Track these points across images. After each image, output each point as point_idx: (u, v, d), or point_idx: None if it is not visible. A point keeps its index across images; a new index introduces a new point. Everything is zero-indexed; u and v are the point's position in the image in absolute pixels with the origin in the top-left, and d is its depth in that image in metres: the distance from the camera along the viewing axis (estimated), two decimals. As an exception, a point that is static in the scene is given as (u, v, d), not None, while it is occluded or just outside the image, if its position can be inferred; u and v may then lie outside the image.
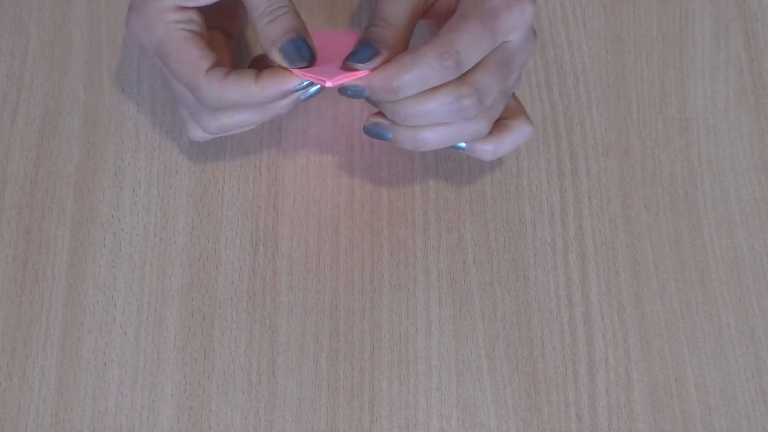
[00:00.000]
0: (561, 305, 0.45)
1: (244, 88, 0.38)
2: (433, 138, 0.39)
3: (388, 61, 0.38)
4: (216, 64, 0.39)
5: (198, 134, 0.42)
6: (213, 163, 0.47)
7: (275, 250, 0.46)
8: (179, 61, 0.39)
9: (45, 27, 0.49)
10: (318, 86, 0.39)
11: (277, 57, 0.38)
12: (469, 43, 0.37)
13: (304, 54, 0.38)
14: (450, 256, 0.46)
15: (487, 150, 0.41)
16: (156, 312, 0.44)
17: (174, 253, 0.45)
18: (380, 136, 0.40)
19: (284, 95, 0.39)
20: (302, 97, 0.40)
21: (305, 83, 0.39)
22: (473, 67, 0.38)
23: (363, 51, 0.38)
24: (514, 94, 0.42)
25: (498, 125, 0.41)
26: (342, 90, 0.39)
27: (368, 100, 0.39)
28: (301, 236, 0.46)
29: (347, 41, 0.41)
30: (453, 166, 0.48)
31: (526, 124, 0.42)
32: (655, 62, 0.50)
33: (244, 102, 0.39)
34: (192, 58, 0.39)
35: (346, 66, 0.39)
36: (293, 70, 0.39)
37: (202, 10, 0.40)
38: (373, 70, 0.38)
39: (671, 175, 0.48)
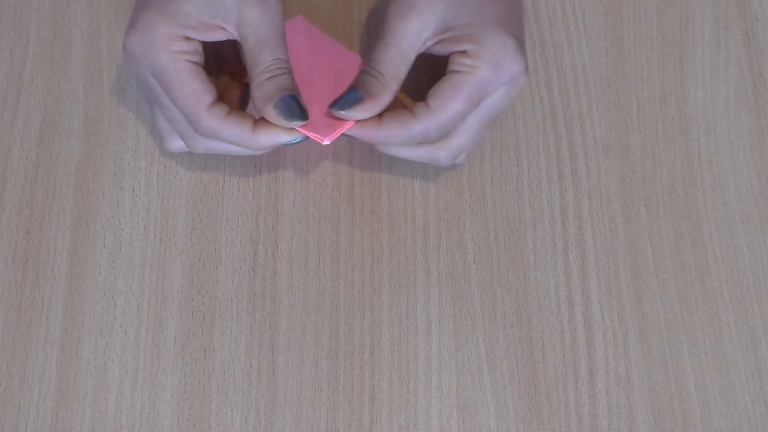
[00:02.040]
0: (561, 305, 0.45)
1: (241, 133, 0.40)
2: (393, 153, 0.43)
3: (371, 106, 0.41)
4: (217, 100, 0.40)
5: (175, 146, 0.43)
6: (213, 163, 0.47)
7: (275, 250, 0.46)
8: (182, 92, 0.40)
9: (45, 27, 0.49)
10: (302, 137, 0.41)
11: (271, 113, 0.40)
12: (456, 120, 0.41)
13: (295, 113, 0.40)
14: (450, 256, 0.46)
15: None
16: (156, 312, 0.44)
17: (174, 253, 0.45)
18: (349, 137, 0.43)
19: (274, 147, 0.41)
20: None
21: (296, 140, 0.41)
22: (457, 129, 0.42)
23: (348, 97, 0.41)
24: None
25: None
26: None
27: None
28: (301, 236, 0.46)
29: (330, 53, 0.44)
30: (453, 166, 0.48)
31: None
32: (655, 62, 0.50)
33: (236, 143, 0.41)
34: (195, 91, 0.40)
35: (330, 113, 0.41)
36: (293, 126, 0.40)
37: (207, 46, 0.41)
38: (360, 121, 0.41)
39: (671, 175, 0.48)
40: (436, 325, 0.45)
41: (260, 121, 0.41)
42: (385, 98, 0.41)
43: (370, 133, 0.41)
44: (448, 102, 0.40)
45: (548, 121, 0.49)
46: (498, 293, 0.45)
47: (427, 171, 0.47)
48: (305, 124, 0.41)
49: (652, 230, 0.47)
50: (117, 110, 0.48)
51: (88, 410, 0.43)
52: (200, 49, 0.41)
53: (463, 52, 0.41)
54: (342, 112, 0.41)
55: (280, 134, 0.41)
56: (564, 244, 0.46)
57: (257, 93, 0.40)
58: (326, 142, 0.41)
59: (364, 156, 0.48)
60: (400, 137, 0.41)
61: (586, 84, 0.50)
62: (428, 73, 0.43)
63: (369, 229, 0.46)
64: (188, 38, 0.40)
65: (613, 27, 0.51)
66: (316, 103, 0.42)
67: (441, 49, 0.42)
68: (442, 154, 0.43)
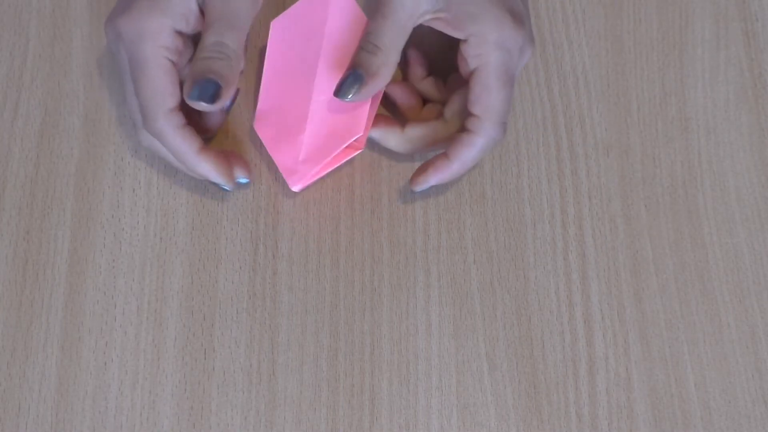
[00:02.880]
0: (561, 305, 0.45)
1: (185, 150, 0.41)
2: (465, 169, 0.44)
3: (372, 85, 0.41)
4: (179, 108, 0.41)
5: (146, 143, 0.44)
6: (213, 163, 0.47)
7: (275, 250, 0.46)
8: (150, 87, 0.40)
9: (45, 27, 0.49)
10: (232, 188, 0.44)
11: (186, 89, 0.40)
12: (504, 106, 0.42)
13: (205, 96, 0.39)
14: (450, 256, 0.46)
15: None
16: (156, 312, 0.44)
17: (174, 253, 0.45)
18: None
19: (208, 179, 0.43)
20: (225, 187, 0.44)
21: (226, 188, 0.43)
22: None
23: (349, 82, 0.41)
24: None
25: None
26: (415, 190, 0.45)
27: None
28: (301, 236, 0.46)
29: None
30: (453, 166, 0.48)
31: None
32: (655, 62, 0.50)
33: (177, 157, 0.42)
34: (162, 91, 0.40)
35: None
36: (197, 106, 0.40)
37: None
38: (432, 165, 0.44)
39: (671, 175, 0.48)
40: (436, 325, 0.45)
41: (208, 149, 0.42)
42: (386, 73, 0.41)
43: (447, 174, 0.43)
44: (490, 99, 0.41)
45: (548, 121, 0.49)
46: (498, 293, 0.45)
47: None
48: (277, 163, 0.43)
49: (652, 230, 0.47)
50: (117, 110, 0.48)
51: (88, 410, 0.43)
52: (182, 48, 0.41)
53: (466, 41, 0.41)
54: (348, 99, 0.41)
55: (216, 174, 0.42)
56: (564, 244, 0.46)
57: (190, 70, 0.40)
58: (294, 188, 0.44)
59: (364, 156, 0.47)
60: (473, 159, 0.43)
61: (586, 84, 0.50)
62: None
63: (369, 229, 0.46)
64: (177, 32, 0.40)
65: (613, 27, 0.51)
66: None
67: (441, 27, 0.42)
68: (491, 134, 0.42)
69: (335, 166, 0.45)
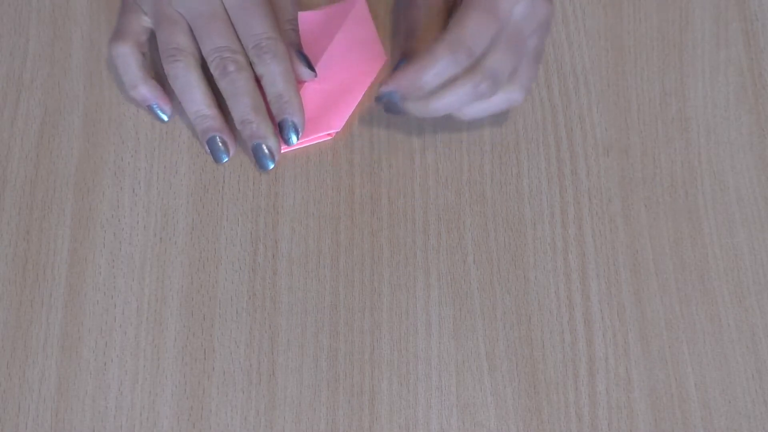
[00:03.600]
0: (561, 305, 0.45)
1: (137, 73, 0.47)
2: (442, 106, 0.42)
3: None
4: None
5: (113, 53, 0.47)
6: (213, 163, 0.47)
7: (275, 250, 0.46)
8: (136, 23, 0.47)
9: (45, 27, 0.49)
10: (162, 117, 0.48)
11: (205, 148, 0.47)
12: (475, 33, 0.40)
13: (219, 156, 0.47)
14: (450, 256, 0.46)
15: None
16: (156, 312, 0.44)
17: (174, 253, 0.45)
18: (393, 109, 0.43)
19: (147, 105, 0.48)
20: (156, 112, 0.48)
21: (165, 116, 0.48)
22: (486, 52, 0.41)
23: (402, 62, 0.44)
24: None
25: None
26: (377, 99, 0.42)
27: (390, 109, 0.43)
28: (301, 236, 0.46)
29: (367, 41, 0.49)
30: (453, 166, 0.48)
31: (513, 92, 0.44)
32: (655, 62, 0.50)
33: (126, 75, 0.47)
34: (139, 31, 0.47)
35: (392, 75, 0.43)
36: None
37: None
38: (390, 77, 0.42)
39: (671, 175, 0.48)
40: (436, 325, 0.45)
41: (156, 83, 0.47)
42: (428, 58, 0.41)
43: (406, 79, 0.41)
44: (464, 16, 0.40)
45: (548, 121, 0.49)
46: (498, 293, 0.45)
47: (427, 171, 0.47)
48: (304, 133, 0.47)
49: (652, 230, 0.47)
50: (117, 110, 0.48)
51: (88, 410, 0.43)
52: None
53: None
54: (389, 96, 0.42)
55: (154, 97, 0.47)
56: (564, 244, 0.46)
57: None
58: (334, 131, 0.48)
59: (364, 156, 0.48)
60: (432, 70, 0.40)
61: (586, 84, 0.50)
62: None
63: (369, 229, 0.46)
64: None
65: (613, 27, 0.51)
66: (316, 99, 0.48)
67: None
68: (479, 78, 0.41)
69: (301, 146, 0.48)
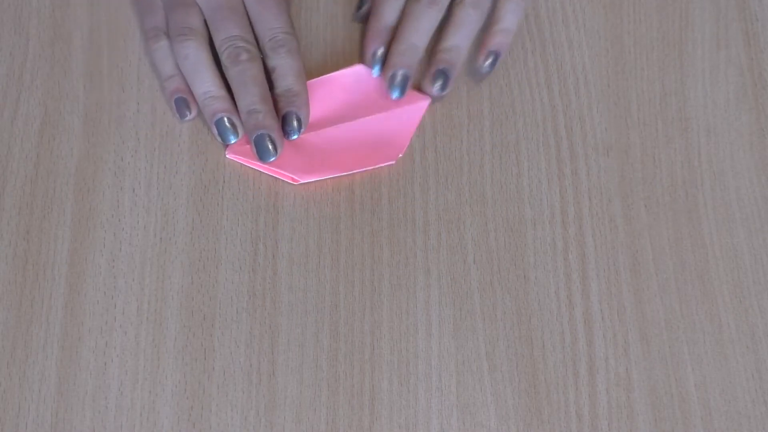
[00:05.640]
0: (561, 305, 0.45)
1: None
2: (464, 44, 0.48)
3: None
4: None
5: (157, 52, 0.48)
6: (213, 163, 0.47)
7: (275, 250, 0.46)
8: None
9: (45, 27, 0.49)
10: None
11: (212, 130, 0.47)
12: None
13: (227, 136, 0.47)
14: (450, 256, 0.46)
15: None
16: (156, 312, 0.44)
17: (174, 253, 0.45)
18: (447, 83, 0.48)
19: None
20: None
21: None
22: None
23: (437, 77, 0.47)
24: None
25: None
26: (488, 60, 0.48)
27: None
28: (301, 236, 0.46)
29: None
30: (453, 166, 0.48)
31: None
32: (655, 62, 0.50)
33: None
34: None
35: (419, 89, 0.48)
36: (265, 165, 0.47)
37: None
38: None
39: (671, 175, 0.48)
40: (436, 325, 0.45)
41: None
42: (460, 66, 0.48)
43: (505, 44, 0.48)
44: None
45: (548, 121, 0.49)
46: (498, 293, 0.45)
47: (427, 171, 0.47)
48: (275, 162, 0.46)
49: (652, 230, 0.47)
50: (117, 110, 0.48)
51: (88, 410, 0.43)
52: None
53: None
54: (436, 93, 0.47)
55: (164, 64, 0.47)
56: (564, 244, 0.46)
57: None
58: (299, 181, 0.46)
59: (364, 156, 0.48)
60: (510, 24, 0.47)
61: (586, 84, 0.50)
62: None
63: (369, 229, 0.46)
64: None
65: (613, 27, 0.51)
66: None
67: None
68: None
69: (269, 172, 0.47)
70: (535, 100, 0.49)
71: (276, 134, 0.45)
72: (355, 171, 0.47)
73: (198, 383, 0.43)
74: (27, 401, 0.43)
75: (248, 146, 0.46)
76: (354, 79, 0.48)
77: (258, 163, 0.46)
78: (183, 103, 0.46)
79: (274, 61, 0.46)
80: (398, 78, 0.46)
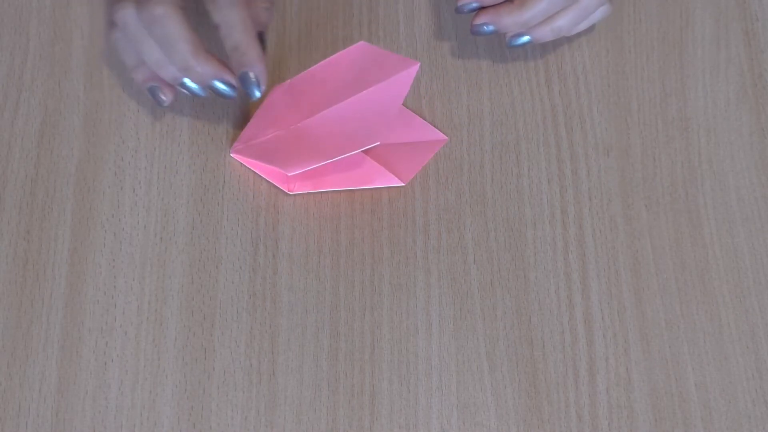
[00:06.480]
0: (561, 305, 0.45)
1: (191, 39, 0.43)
2: (565, 23, 0.46)
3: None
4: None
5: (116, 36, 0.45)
6: (213, 163, 0.47)
7: (275, 250, 0.46)
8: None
9: (45, 27, 0.49)
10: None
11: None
12: None
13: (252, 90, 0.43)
14: (450, 256, 0.46)
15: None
16: (156, 312, 0.44)
17: (174, 253, 0.45)
18: (481, 34, 0.47)
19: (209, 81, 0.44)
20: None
21: (229, 90, 0.44)
22: None
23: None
24: None
25: None
26: (459, 10, 0.47)
27: (478, 33, 0.47)
28: (301, 236, 0.46)
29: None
30: (453, 166, 0.48)
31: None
32: (655, 62, 0.50)
33: (177, 43, 0.42)
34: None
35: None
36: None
37: None
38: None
39: (671, 175, 0.48)
40: (436, 325, 0.45)
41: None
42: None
43: (505, 19, 0.46)
44: None
45: (548, 121, 0.49)
46: (498, 293, 0.45)
47: (427, 171, 0.47)
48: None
49: (652, 230, 0.47)
50: (117, 110, 0.48)
51: (88, 410, 0.43)
52: None
53: None
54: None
55: (217, 70, 0.43)
56: (564, 244, 0.46)
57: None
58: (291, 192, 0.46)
59: (364, 156, 0.48)
60: (537, 9, 0.45)
61: (586, 84, 0.50)
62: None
63: (369, 229, 0.46)
64: None
65: (613, 27, 0.51)
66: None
67: None
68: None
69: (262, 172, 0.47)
70: (535, 100, 0.49)
71: (257, 70, 0.43)
72: (355, 175, 0.47)
73: (198, 383, 0.43)
74: (27, 401, 0.43)
75: (252, 146, 0.46)
76: (349, 59, 0.45)
77: (259, 166, 0.46)
78: (157, 90, 0.44)
79: (216, 17, 0.42)
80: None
